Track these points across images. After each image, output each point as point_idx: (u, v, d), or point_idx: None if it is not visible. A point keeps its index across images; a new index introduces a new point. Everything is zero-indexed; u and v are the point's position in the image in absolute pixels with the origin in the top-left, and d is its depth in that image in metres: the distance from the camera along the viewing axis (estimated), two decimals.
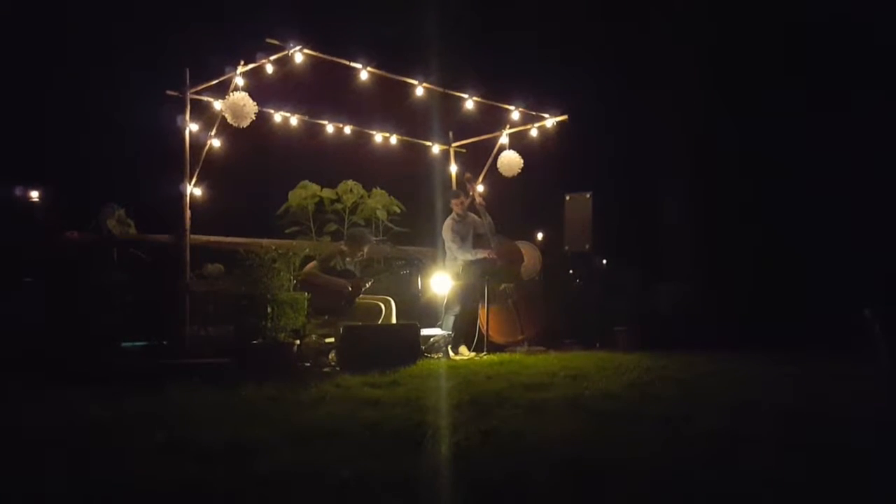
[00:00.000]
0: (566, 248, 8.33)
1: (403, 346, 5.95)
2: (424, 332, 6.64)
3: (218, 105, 6.32)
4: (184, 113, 6.26)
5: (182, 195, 6.21)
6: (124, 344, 5.72)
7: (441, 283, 7.10)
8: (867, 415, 3.74)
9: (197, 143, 6.30)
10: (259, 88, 6.06)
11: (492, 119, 7.92)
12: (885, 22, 8.20)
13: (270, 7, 8.30)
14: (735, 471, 2.59)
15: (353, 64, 6.33)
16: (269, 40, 5.89)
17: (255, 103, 5.87)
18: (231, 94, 5.89)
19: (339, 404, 3.91)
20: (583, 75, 9.71)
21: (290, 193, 7.81)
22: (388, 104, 7.38)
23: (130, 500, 2.29)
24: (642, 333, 7.41)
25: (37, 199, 6.05)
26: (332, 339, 6.13)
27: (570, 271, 8.36)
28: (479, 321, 7.25)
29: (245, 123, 5.88)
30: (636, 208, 9.71)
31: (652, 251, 9.05)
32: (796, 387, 4.77)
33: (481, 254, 7.16)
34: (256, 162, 7.60)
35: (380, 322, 6.38)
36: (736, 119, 9.30)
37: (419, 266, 7.00)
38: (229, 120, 5.87)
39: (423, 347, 6.60)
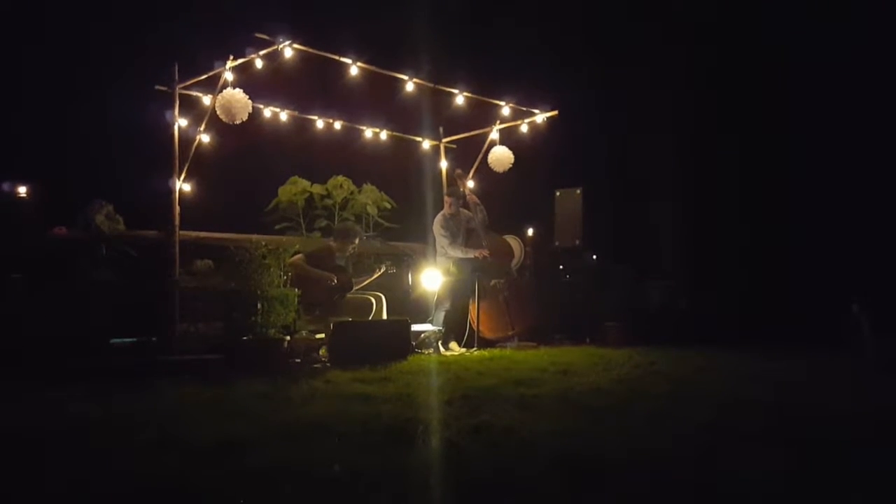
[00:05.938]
0: (556, 243, 8.35)
1: (394, 341, 5.95)
2: (415, 327, 6.64)
3: (207, 100, 6.28)
4: (172, 108, 6.22)
5: (171, 191, 6.18)
6: (113, 341, 5.69)
7: (432, 278, 7.09)
8: (855, 409, 3.76)
9: (186, 139, 6.25)
10: (248, 83, 6.02)
11: (482, 114, 7.91)
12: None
13: (260, 1, 8.24)
14: (727, 466, 2.60)
15: (343, 59, 6.30)
16: (258, 35, 5.85)
17: (248, 101, 5.83)
18: (224, 91, 5.84)
19: (329, 400, 3.90)
20: (573, 70, 9.71)
21: (280, 189, 7.79)
22: (378, 99, 7.35)
23: (120, 498, 2.28)
24: (632, 329, 7.44)
25: (24, 195, 6.00)
26: (322, 335, 6.12)
27: (560, 267, 8.37)
28: (469, 317, 7.25)
29: (238, 120, 5.85)
30: (626, 204, 9.72)
31: (642, 247, 9.07)
32: (786, 382, 4.79)
33: (472, 252, 7.14)
34: (246, 157, 7.56)
35: (370, 318, 6.37)
36: (729, 116, 9.32)
37: (410, 262, 6.99)
38: (222, 117, 5.83)
39: (414, 343, 6.60)
